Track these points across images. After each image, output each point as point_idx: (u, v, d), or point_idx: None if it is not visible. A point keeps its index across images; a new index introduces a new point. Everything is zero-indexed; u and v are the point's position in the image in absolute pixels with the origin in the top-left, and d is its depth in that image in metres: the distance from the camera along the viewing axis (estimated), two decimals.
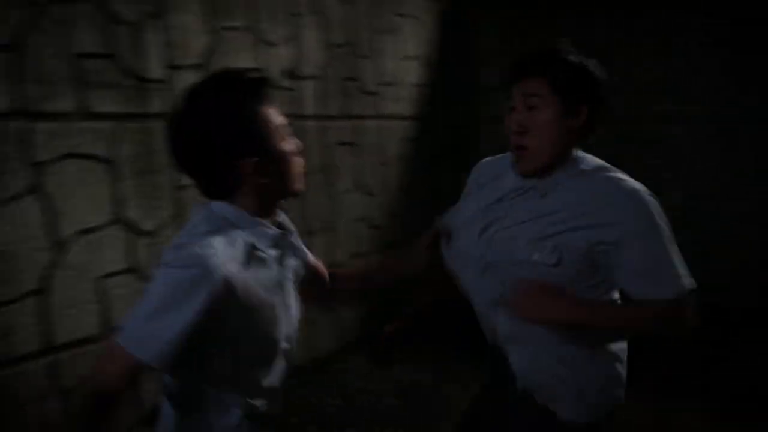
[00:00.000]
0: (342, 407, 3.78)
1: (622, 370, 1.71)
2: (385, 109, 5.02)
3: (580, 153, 1.67)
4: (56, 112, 2.78)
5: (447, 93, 5.84)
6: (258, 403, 1.48)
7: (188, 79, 3.34)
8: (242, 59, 3.70)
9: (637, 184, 1.57)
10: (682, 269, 1.53)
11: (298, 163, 1.48)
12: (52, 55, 2.75)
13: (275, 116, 1.42)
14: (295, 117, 4.10)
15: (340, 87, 4.52)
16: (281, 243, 1.48)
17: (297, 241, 1.59)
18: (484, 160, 1.94)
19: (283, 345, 1.51)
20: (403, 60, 5.23)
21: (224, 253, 1.31)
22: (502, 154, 1.82)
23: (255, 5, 3.80)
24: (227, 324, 1.35)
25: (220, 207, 1.41)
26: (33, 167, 2.67)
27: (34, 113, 2.70)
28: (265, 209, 1.45)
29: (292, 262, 1.55)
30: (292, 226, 1.57)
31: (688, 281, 1.53)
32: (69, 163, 2.82)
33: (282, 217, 1.54)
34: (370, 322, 4.96)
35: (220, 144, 1.35)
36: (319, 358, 4.44)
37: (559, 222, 1.55)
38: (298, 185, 1.50)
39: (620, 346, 1.70)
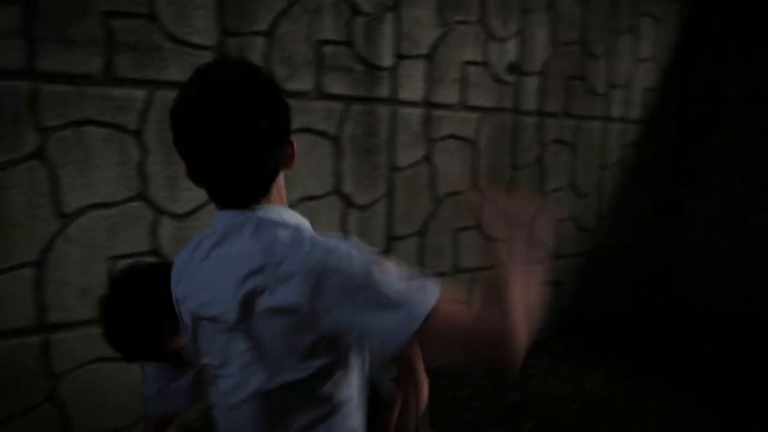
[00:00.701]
0: (520, 400, 3.83)
1: None
2: (611, 111, 4.87)
3: None
4: (297, 90, 3.19)
5: (680, 100, 5.48)
6: None
7: (413, 68, 3.59)
8: (468, 52, 3.86)
9: None
10: None
11: None
12: (299, 41, 3.15)
13: None
14: (514, 112, 4.18)
15: (565, 85, 4.48)
16: None
17: None
18: None
19: None
20: (637, 62, 5.01)
21: None
22: None
23: (488, 1, 3.92)
24: None
25: (277, 211, 1.23)
26: None
27: None
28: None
29: None
30: None
31: None
32: (302, 137, 3.21)
33: None
34: (557, 320, 4.91)
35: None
36: None
37: None
38: None
39: None
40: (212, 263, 1.22)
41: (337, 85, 3.33)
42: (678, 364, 4.52)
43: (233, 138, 1.11)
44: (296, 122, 3.20)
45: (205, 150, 1.12)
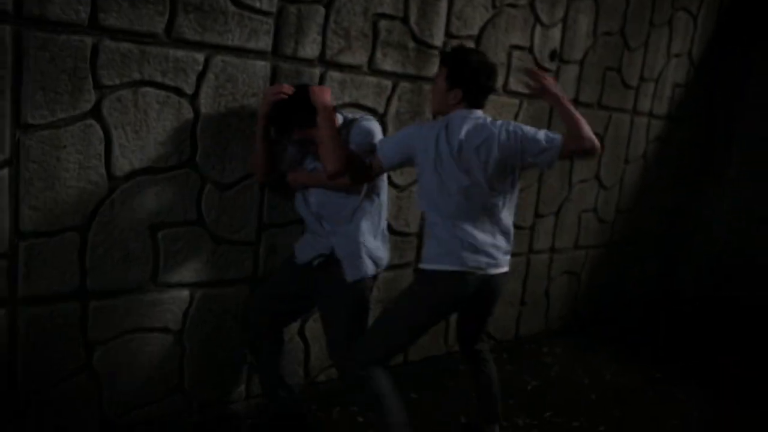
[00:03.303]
0: (538, 388, 3.85)
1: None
2: (640, 105, 4.85)
3: None
4: (350, 64, 3.10)
5: (707, 99, 5.48)
6: None
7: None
8: (515, 36, 3.78)
9: None
10: None
11: None
12: (357, 12, 3.05)
13: None
14: None
15: (601, 76, 4.44)
16: None
17: None
18: None
19: None
20: (669, 56, 4.98)
21: None
22: None
23: None
24: None
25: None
26: None
27: (330, 62, 3.03)
28: None
29: None
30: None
31: None
32: (351, 111, 3.12)
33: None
34: (576, 310, 4.94)
35: None
36: (524, 337, 4.53)
37: None
38: None
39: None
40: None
41: (388, 62, 3.24)
42: (696, 357, 4.58)
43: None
44: (346, 96, 3.12)
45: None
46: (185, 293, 2.87)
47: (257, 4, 2.74)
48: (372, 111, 3.22)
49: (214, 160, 2.80)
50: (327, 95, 2.57)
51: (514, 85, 3.87)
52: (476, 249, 2.52)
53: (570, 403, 3.70)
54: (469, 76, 2.51)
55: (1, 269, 2.39)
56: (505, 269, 2.65)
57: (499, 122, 2.54)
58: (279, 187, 2.94)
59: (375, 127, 2.67)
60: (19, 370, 2.51)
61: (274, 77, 2.87)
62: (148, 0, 2.46)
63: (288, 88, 2.62)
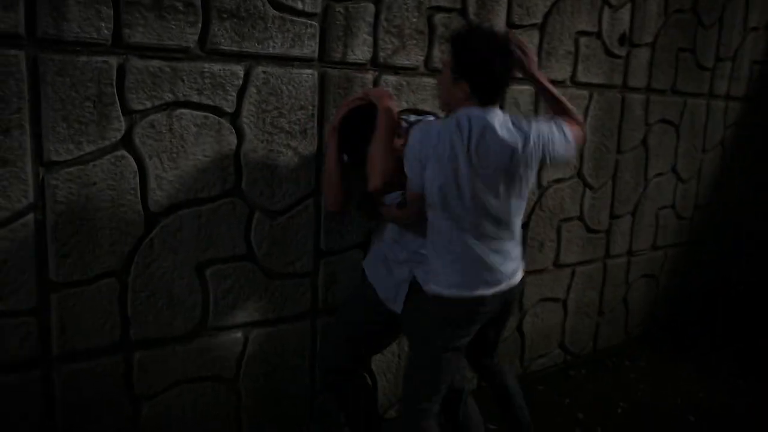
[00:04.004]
0: (630, 412, 3.44)
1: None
2: (716, 87, 4.39)
3: None
4: (405, 66, 2.75)
5: None
6: None
7: (525, 39, 3.14)
8: (580, 21, 3.38)
9: None
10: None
11: None
12: (410, 8, 2.70)
13: None
14: (623, 88, 3.72)
15: (673, 59, 4.00)
16: None
17: None
18: None
19: None
20: (746, 31, 4.51)
21: None
22: None
23: None
24: None
25: None
26: None
27: (383, 65, 2.69)
28: None
29: None
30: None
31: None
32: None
33: None
34: (654, 314, 4.51)
35: None
36: (603, 350, 4.13)
37: None
38: None
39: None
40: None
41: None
42: None
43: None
44: (402, 102, 2.78)
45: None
46: (238, 335, 2.56)
47: (299, 5, 2.41)
48: (432, 116, 2.87)
49: (261, 186, 2.48)
50: (389, 97, 2.24)
51: (584, 75, 3.47)
52: (492, 267, 2.13)
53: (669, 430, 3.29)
54: (476, 67, 2.02)
55: (30, 327, 2.11)
56: (521, 276, 2.27)
57: (514, 123, 2.09)
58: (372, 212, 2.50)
59: (416, 136, 2.08)
60: None
61: (323, 87, 2.54)
62: (177, 10, 2.15)
63: (365, 95, 2.30)
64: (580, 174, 3.63)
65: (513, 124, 2.09)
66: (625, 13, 3.61)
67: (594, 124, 3.62)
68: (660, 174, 4.19)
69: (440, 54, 2.82)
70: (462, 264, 2.10)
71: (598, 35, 3.50)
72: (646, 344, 4.32)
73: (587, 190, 3.70)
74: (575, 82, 3.45)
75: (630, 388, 3.72)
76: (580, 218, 3.70)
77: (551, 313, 3.74)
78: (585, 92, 3.52)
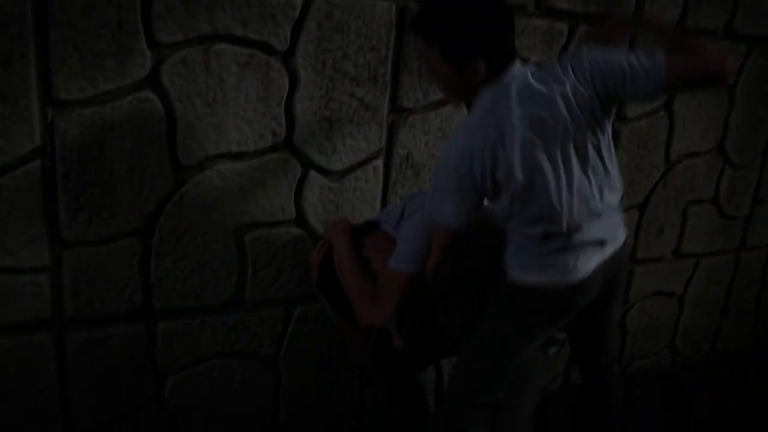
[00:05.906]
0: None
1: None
2: None
3: None
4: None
5: None
6: None
7: None
8: None
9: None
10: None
11: None
12: None
13: None
14: None
15: None
16: None
17: None
18: None
19: None
20: None
21: None
22: None
23: None
24: None
25: None
26: None
27: None
28: None
29: None
30: None
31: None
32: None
33: None
34: None
35: None
36: (722, 353, 3.52)
37: None
38: None
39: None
40: None
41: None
42: None
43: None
44: None
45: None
46: (279, 311, 2.22)
47: None
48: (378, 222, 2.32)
49: (319, 140, 2.07)
50: (338, 228, 1.91)
51: (743, 25, 2.75)
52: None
53: None
54: (472, 43, 1.54)
55: (42, 285, 1.85)
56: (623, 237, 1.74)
57: (547, 69, 1.59)
58: None
59: (437, 176, 1.67)
60: (73, 404, 2.01)
61: (401, 23, 2.06)
62: None
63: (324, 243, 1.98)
64: (720, 147, 2.96)
65: (547, 71, 1.59)
66: None
67: (746, 87, 2.91)
68: None
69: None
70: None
71: None
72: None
73: (727, 167, 3.03)
74: (731, 33, 2.75)
75: (753, 403, 3.11)
76: (714, 201, 3.05)
77: (663, 308, 3.17)
78: (743, 46, 2.81)
